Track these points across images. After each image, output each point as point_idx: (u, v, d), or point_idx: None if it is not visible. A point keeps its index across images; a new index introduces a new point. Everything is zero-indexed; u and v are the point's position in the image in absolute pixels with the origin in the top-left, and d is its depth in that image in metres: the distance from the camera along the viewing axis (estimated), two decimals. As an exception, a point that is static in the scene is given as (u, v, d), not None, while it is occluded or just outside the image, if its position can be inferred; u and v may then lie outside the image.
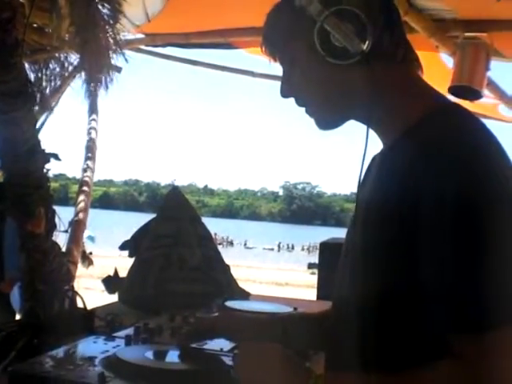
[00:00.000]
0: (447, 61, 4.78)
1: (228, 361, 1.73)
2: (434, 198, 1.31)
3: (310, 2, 1.44)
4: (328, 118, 1.60)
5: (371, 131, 1.54)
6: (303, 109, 1.60)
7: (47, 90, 6.87)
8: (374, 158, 1.65)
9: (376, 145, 1.58)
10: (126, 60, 4.45)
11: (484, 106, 5.50)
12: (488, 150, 1.37)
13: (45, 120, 6.39)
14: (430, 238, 1.31)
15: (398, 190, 1.37)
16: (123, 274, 3.12)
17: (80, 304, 2.75)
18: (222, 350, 1.87)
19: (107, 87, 5.19)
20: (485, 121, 1.54)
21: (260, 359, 1.49)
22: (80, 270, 6.90)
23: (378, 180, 1.50)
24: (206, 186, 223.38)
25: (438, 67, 4.82)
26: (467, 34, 4.44)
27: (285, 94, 1.61)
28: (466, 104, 4.68)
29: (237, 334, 1.79)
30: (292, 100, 1.60)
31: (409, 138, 1.43)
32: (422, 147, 1.37)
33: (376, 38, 1.44)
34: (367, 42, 1.43)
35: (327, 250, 4.64)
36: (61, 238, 3.94)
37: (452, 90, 4.45)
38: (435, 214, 1.30)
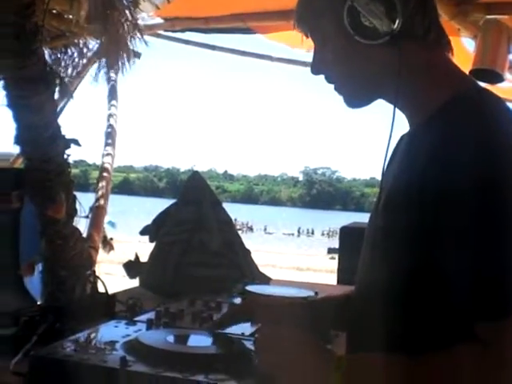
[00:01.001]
0: (468, 44, 4.76)
1: (249, 345, 1.73)
2: (455, 182, 1.31)
3: None
4: (356, 96, 1.62)
5: (397, 113, 1.55)
6: (325, 91, 1.63)
7: (67, 76, 6.88)
8: (401, 138, 1.66)
9: (400, 130, 1.60)
10: (146, 44, 4.44)
11: (506, 89, 5.47)
12: (510, 133, 1.38)
13: (64, 106, 6.40)
14: (456, 221, 1.31)
15: (423, 173, 1.37)
16: (144, 258, 3.13)
17: (101, 289, 2.76)
18: (243, 334, 1.87)
19: (127, 73, 5.21)
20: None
21: (280, 343, 1.47)
22: (101, 255, 6.92)
23: (405, 161, 1.51)
24: (225, 172, 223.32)
25: (459, 50, 4.80)
26: (489, 17, 4.42)
27: (315, 70, 1.63)
28: (487, 87, 4.66)
29: (263, 318, 1.79)
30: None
31: (435, 121, 1.44)
32: (446, 131, 1.38)
33: (406, 19, 1.46)
34: (397, 23, 1.44)
35: (347, 234, 4.63)
36: (81, 224, 3.95)
37: (474, 73, 4.43)
38: (459, 198, 1.31)
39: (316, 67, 1.63)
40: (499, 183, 1.30)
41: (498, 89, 5.02)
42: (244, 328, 1.95)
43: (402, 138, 1.67)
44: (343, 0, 1.47)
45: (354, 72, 1.57)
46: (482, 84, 4.47)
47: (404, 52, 1.49)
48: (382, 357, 1.41)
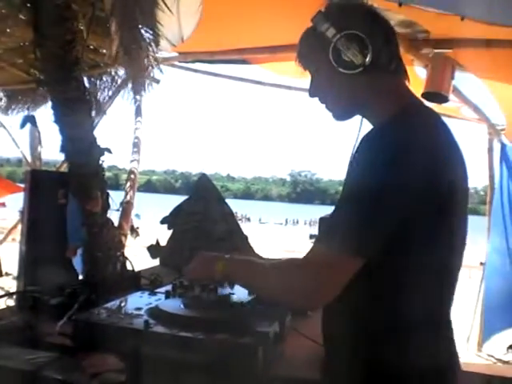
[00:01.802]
0: (420, 72, 4.77)
1: (247, 310, 1.73)
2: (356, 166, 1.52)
3: (327, 28, 1.58)
4: (340, 113, 1.71)
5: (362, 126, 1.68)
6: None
7: (101, 98, 6.87)
8: (361, 141, 1.68)
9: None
10: (161, 72, 4.44)
11: (450, 108, 5.48)
12: (430, 137, 1.51)
13: (100, 122, 6.39)
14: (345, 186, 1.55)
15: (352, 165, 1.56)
16: (163, 243, 3.12)
17: (129, 267, 2.76)
18: (242, 301, 1.87)
19: (149, 95, 5.20)
20: (450, 119, 1.58)
21: (194, 260, 1.77)
22: (129, 240, 6.92)
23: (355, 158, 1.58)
24: (228, 174, 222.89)
25: (413, 77, 4.81)
26: (436, 51, 4.46)
27: (311, 94, 1.72)
28: (435, 106, 4.67)
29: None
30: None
31: (381, 129, 1.55)
32: (379, 135, 1.53)
33: (375, 54, 1.55)
34: (368, 58, 1.55)
35: (325, 223, 4.63)
36: (114, 216, 3.94)
37: (424, 96, 4.45)
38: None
39: (311, 92, 1.71)
40: (381, 171, 1.43)
41: (444, 108, 5.03)
42: (242, 296, 1.95)
43: (361, 140, 1.68)
44: (329, 42, 1.57)
45: (337, 95, 1.65)
46: (431, 104, 4.49)
47: (372, 79, 1.58)
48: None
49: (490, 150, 7.11)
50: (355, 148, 1.64)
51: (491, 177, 7.17)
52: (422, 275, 1.47)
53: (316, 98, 1.70)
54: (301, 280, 1.46)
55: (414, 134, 1.49)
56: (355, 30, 1.56)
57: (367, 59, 1.55)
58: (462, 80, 5.09)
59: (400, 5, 3.01)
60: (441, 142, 1.54)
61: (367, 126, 1.68)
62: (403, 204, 1.42)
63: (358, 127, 1.69)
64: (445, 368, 1.51)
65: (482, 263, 7.22)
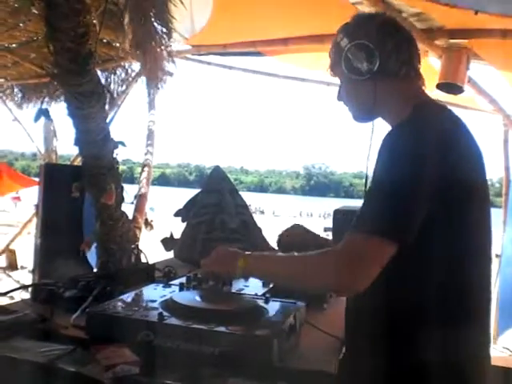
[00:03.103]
0: (435, 63, 4.74)
1: (261, 303, 1.73)
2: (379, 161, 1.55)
3: (341, 39, 1.73)
4: (357, 115, 1.83)
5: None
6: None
7: (115, 91, 6.90)
8: (383, 139, 1.73)
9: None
10: (175, 66, 4.44)
11: (465, 98, 5.45)
12: (444, 129, 1.59)
13: (114, 115, 6.41)
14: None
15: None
16: (177, 235, 3.12)
17: (143, 259, 2.76)
18: (256, 294, 1.87)
19: (162, 88, 5.21)
20: (465, 110, 1.62)
21: (214, 254, 1.76)
22: (143, 233, 6.94)
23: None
24: (242, 167, 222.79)
25: (427, 68, 4.77)
26: (451, 41, 4.43)
27: (338, 99, 1.86)
28: (450, 97, 4.64)
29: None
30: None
31: (400, 126, 1.61)
32: (392, 133, 1.60)
33: (383, 62, 1.68)
34: (375, 65, 1.67)
35: (339, 216, 4.61)
36: (128, 209, 3.95)
37: (440, 86, 4.43)
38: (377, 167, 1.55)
39: (338, 96, 1.85)
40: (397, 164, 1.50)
41: (459, 98, 5.00)
42: (257, 289, 1.95)
43: (383, 138, 1.72)
44: (342, 50, 1.71)
45: (352, 99, 1.80)
46: (446, 95, 4.47)
47: (382, 83, 1.70)
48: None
49: (506, 141, 7.03)
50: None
51: (507, 168, 7.11)
52: (450, 260, 1.52)
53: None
54: (337, 265, 1.47)
55: (431, 129, 1.57)
56: (365, 40, 1.68)
57: (375, 66, 1.67)
58: (478, 70, 5.05)
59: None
60: (454, 134, 1.61)
61: (380, 129, 1.80)
62: (430, 191, 1.47)
63: (371, 129, 1.82)
64: (473, 357, 1.53)
65: (497, 255, 7.17)
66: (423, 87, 1.78)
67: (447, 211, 1.50)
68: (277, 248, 2.90)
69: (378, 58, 1.67)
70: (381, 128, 1.78)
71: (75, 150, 3.44)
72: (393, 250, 1.44)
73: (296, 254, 1.69)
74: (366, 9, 3.85)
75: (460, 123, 1.66)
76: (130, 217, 4.75)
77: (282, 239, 2.91)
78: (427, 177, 1.48)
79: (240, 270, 1.66)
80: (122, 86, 6.93)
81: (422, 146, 1.51)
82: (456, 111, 1.71)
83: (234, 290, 1.92)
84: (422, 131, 1.56)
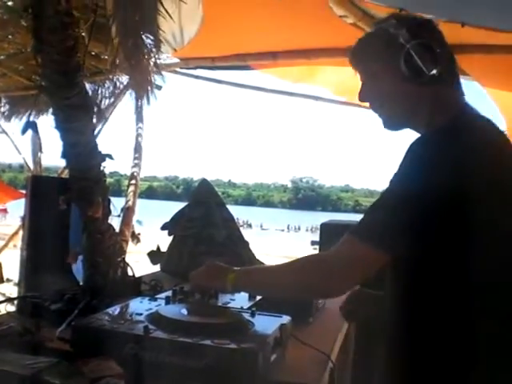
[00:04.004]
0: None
1: (247, 316, 1.73)
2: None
3: (401, 34, 1.57)
4: (392, 122, 1.70)
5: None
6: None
7: (103, 104, 6.89)
8: (408, 148, 1.69)
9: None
10: (163, 80, 4.45)
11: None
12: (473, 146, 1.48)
13: (101, 128, 6.40)
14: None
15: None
16: (164, 249, 3.12)
17: (130, 273, 2.76)
18: (242, 307, 1.87)
19: (150, 101, 5.22)
20: None
21: (203, 268, 1.78)
22: (130, 246, 6.92)
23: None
24: (229, 180, 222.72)
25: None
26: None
27: (363, 99, 1.71)
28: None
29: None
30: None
31: (427, 134, 1.57)
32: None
33: (442, 67, 1.57)
34: (437, 69, 1.56)
35: (326, 229, 4.64)
36: (115, 222, 3.94)
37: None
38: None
39: (363, 97, 1.71)
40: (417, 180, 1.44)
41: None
42: (243, 302, 1.95)
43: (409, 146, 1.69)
44: (399, 47, 1.56)
45: (396, 103, 1.64)
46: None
47: (435, 91, 1.59)
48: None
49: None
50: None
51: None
52: (465, 276, 1.45)
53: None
54: (322, 264, 1.52)
55: (451, 148, 1.48)
56: (429, 39, 1.57)
57: (436, 70, 1.56)
58: (464, 86, 5.09)
59: (400, 10, 3.01)
60: (492, 147, 1.53)
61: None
62: (427, 208, 1.42)
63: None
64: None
65: None
66: (463, 96, 1.68)
67: (473, 229, 1.41)
68: None
69: (439, 62, 1.56)
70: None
71: (62, 162, 3.43)
72: (380, 259, 1.44)
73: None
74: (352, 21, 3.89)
75: (501, 137, 1.60)
76: (117, 230, 4.74)
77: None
78: (444, 191, 1.40)
79: (229, 285, 1.67)
80: (109, 98, 6.92)
81: (445, 157, 1.43)
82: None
83: (220, 304, 1.93)
84: (452, 142, 1.48)
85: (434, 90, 1.59)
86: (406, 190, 1.45)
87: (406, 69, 1.57)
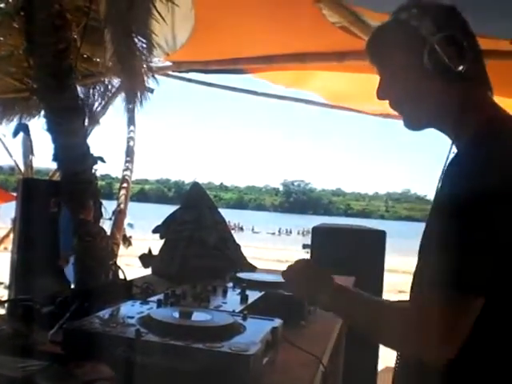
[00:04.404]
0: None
1: (239, 319, 1.73)
2: (463, 190, 1.32)
3: (425, 26, 1.43)
4: (415, 121, 1.58)
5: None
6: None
7: (95, 107, 6.89)
8: (453, 164, 1.56)
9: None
10: (157, 82, 4.45)
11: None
12: None
13: (93, 130, 6.40)
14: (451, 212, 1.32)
15: (454, 183, 1.38)
16: (155, 252, 3.12)
17: (121, 276, 2.76)
18: (234, 310, 1.88)
19: (142, 104, 5.22)
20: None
21: (302, 270, 1.72)
22: (121, 249, 6.91)
23: (449, 176, 1.46)
24: (221, 184, 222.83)
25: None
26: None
27: (381, 96, 1.59)
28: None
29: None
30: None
31: (468, 145, 1.43)
32: (472, 153, 1.39)
33: (470, 63, 1.44)
34: (464, 64, 1.43)
35: (318, 233, 4.65)
36: (106, 225, 3.94)
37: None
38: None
39: (382, 94, 1.59)
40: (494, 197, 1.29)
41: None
42: (234, 305, 1.96)
43: (452, 163, 1.58)
44: (422, 40, 1.44)
45: (416, 102, 1.53)
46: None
47: (463, 88, 1.47)
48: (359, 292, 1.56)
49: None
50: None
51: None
52: None
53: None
54: (421, 330, 1.33)
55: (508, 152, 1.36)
56: (455, 33, 1.44)
57: (463, 66, 1.43)
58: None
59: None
60: None
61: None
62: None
63: (449, 149, 1.52)
64: None
65: None
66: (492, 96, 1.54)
67: None
68: None
69: (469, 57, 1.42)
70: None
71: (54, 165, 3.42)
72: (479, 304, 1.30)
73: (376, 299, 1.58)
74: (348, 29, 3.91)
75: None
76: (109, 233, 4.74)
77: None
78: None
79: (322, 304, 1.64)
80: (101, 101, 6.92)
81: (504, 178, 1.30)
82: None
83: (211, 307, 1.93)
84: (504, 157, 1.33)
85: (462, 87, 1.47)
86: (486, 217, 1.29)
87: (431, 64, 1.44)
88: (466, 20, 1.51)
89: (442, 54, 1.42)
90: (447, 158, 1.50)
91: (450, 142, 1.54)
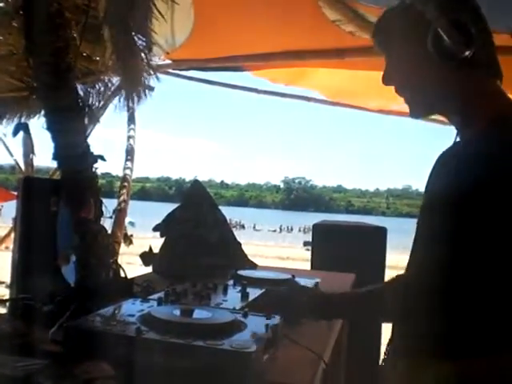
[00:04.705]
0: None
1: (239, 317, 1.73)
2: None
3: (429, 8, 1.38)
4: (420, 108, 1.55)
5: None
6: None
7: (95, 106, 6.89)
8: (442, 155, 1.58)
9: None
10: (157, 79, 4.44)
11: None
12: None
13: (93, 129, 6.40)
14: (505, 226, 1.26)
15: (479, 180, 1.32)
16: (156, 250, 3.12)
17: (122, 274, 2.76)
18: (234, 308, 1.88)
19: (142, 102, 5.22)
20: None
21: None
22: (122, 248, 6.92)
23: (460, 169, 1.42)
24: (222, 181, 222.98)
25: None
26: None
27: (386, 82, 1.56)
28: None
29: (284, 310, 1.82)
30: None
31: (485, 135, 1.39)
32: (496, 144, 1.34)
33: (477, 48, 1.40)
34: (471, 50, 1.39)
35: (319, 230, 4.66)
36: (107, 223, 3.94)
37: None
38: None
39: (387, 80, 1.56)
40: None
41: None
42: (235, 303, 1.96)
43: (442, 154, 1.59)
44: (427, 25, 1.39)
45: (422, 88, 1.50)
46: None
47: (468, 75, 1.44)
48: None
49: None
50: (437, 161, 1.53)
51: None
52: None
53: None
54: None
55: None
56: (461, 17, 1.38)
57: (470, 51, 1.38)
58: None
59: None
60: None
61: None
62: None
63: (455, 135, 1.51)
64: None
65: None
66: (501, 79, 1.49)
67: None
68: None
69: (474, 42, 1.37)
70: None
71: (54, 164, 3.42)
72: None
73: None
74: (346, 27, 3.90)
75: None
76: (109, 231, 4.73)
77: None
78: None
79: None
80: (101, 99, 6.92)
81: None
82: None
83: (212, 304, 1.93)
84: None
85: (468, 74, 1.44)
86: None
87: (434, 50, 1.40)
88: (476, 4, 1.48)
89: (446, 39, 1.38)
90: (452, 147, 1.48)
91: (448, 137, 1.54)
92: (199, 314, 1.74)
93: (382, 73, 1.55)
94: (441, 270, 1.36)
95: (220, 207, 3.24)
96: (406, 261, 1.58)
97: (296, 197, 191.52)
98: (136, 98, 4.81)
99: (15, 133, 5.04)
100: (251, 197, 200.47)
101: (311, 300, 1.89)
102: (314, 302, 1.88)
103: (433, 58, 1.42)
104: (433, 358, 1.38)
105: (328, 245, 4.42)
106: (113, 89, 6.91)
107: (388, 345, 1.66)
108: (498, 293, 1.30)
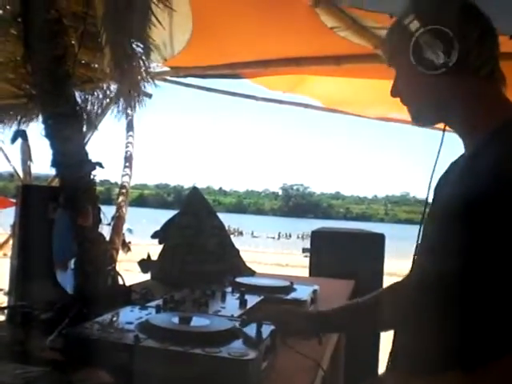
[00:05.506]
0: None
1: (237, 324, 1.73)
2: None
3: (410, 21, 1.43)
4: (419, 117, 1.58)
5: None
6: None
7: (93, 113, 6.89)
8: (454, 163, 1.58)
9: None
10: (155, 87, 4.45)
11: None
12: None
13: (91, 136, 6.40)
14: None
15: (487, 190, 1.30)
16: (154, 257, 3.12)
17: (120, 281, 2.76)
18: (232, 315, 1.87)
19: (141, 109, 5.24)
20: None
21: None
22: (120, 255, 6.91)
23: (464, 181, 1.42)
24: (220, 188, 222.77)
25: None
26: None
27: (392, 94, 1.59)
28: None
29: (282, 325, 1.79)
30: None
31: (491, 144, 1.37)
32: (505, 152, 1.32)
33: (463, 54, 1.40)
34: (453, 58, 1.39)
35: (317, 237, 4.65)
36: (105, 230, 3.94)
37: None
38: None
39: (393, 91, 1.59)
40: None
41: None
42: (233, 310, 1.95)
43: (454, 162, 1.60)
44: (411, 35, 1.43)
45: (418, 99, 1.53)
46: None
47: (458, 82, 1.44)
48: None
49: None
50: (447, 170, 1.53)
51: None
52: None
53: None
54: None
55: None
56: (443, 25, 1.39)
57: (452, 60, 1.40)
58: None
59: (391, 16, 3.00)
60: None
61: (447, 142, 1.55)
62: None
63: (440, 142, 1.54)
64: None
65: None
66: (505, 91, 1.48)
67: None
68: None
69: (457, 49, 1.38)
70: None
71: (52, 171, 3.42)
72: None
73: None
74: (344, 33, 3.91)
75: None
76: (108, 238, 4.73)
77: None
78: None
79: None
80: (99, 107, 6.92)
81: None
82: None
83: (210, 312, 1.93)
84: None
85: (463, 81, 1.44)
86: None
87: (417, 61, 1.43)
88: (471, 7, 1.48)
89: (426, 50, 1.41)
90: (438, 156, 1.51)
91: (447, 144, 1.55)
92: (197, 321, 1.73)
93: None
94: (454, 280, 1.34)
95: (218, 214, 3.24)
96: (405, 267, 1.57)
97: (294, 204, 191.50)
98: (134, 105, 4.83)
99: (13, 140, 5.04)
100: (249, 204, 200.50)
101: (307, 321, 1.90)
102: (311, 323, 1.89)
103: (418, 69, 1.45)
104: (439, 370, 1.36)
105: (326, 251, 4.41)
106: (111, 96, 6.94)
107: (390, 355, 1.65)
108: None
